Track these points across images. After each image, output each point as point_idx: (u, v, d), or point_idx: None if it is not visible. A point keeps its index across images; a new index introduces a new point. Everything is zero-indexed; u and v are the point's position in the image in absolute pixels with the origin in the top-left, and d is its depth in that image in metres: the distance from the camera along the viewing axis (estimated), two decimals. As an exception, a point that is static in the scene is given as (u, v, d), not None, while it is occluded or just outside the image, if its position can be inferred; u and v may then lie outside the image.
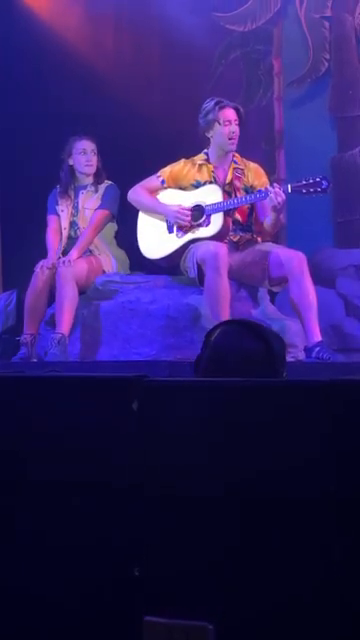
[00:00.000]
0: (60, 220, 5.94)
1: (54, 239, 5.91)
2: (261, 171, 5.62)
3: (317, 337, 5.13)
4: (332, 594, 1.54)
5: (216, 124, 5.42)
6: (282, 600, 1.58)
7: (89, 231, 5.84)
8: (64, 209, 5.94)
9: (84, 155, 5.89)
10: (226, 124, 5.41)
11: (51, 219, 5.97)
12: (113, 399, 1.75)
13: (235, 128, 5.42)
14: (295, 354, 5.32)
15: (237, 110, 5.46)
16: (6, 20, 7.05)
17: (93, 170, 5.92)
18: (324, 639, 1.54)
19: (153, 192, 5.68)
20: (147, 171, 5.75)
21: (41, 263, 5.73)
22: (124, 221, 5.94)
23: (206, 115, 5.46)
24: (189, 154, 5.65)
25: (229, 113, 5.42)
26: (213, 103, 5.46)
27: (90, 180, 5.95)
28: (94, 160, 5.91)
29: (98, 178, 5.94)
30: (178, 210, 5.50)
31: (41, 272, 5.67)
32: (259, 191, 5.39)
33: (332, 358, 5.11)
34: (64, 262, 5.66)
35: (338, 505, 1.57)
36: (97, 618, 1.70)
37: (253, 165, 5.61)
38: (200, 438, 1.67)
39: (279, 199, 5.17)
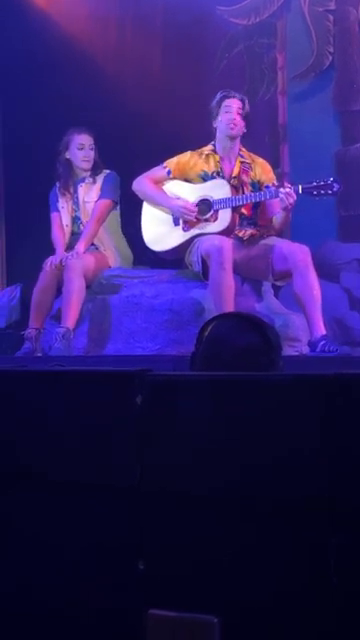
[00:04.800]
0: (61, 217, 5.94)
1: (60, 236, 5.91)
2: (268, 167, 5.63)
3: (321, 331, 5.11)
4: (329, 590, 1.55)
5: (220, 113, 5.46)
6: (282, 594, 1.58)
7: (92, 223, 5.83)
8: (64, 205, 5.94)
9: (82, 150, 5.89)
10: (226, 111, 5.44)
11: (54, 216, 5.97)
12: (117, 393, 1.75)
13: (236, 116, 5.44)
14: (299, 348, 5.31)
15: (242, 101, 5.49)
16: (5, 13, 7.04)
17: (90, 165, 5.93)
18: (323, 631, 1.55)
19: (158, 182, 5.67)
20: (150, 164, 5.74)
21: (49, 260, 5.73)
22: (129, 211, 5.92)
23: (213, 105, 5.50)
24: (192, 147, 5.64)
25: (232, 102, 5.48)
26: (220, 93, 5.52)
27: (88, 173, 5.94)
28: (91, 155, 5.92)
29: (95, 170, 5.94)
30: (184, 206, 5.48)
31: (50, 269, 5.68)
32: (267, 187, 5.38)
33: (339, 350, 5.08)
34: (72, 255, 5.67)
35: (338, 501, 1.56)
36: (102, 612, 1.71)
37: (260, 160, 5.61)
38: (204, 433, 1.67)
39: (290, 200, 5.16)
